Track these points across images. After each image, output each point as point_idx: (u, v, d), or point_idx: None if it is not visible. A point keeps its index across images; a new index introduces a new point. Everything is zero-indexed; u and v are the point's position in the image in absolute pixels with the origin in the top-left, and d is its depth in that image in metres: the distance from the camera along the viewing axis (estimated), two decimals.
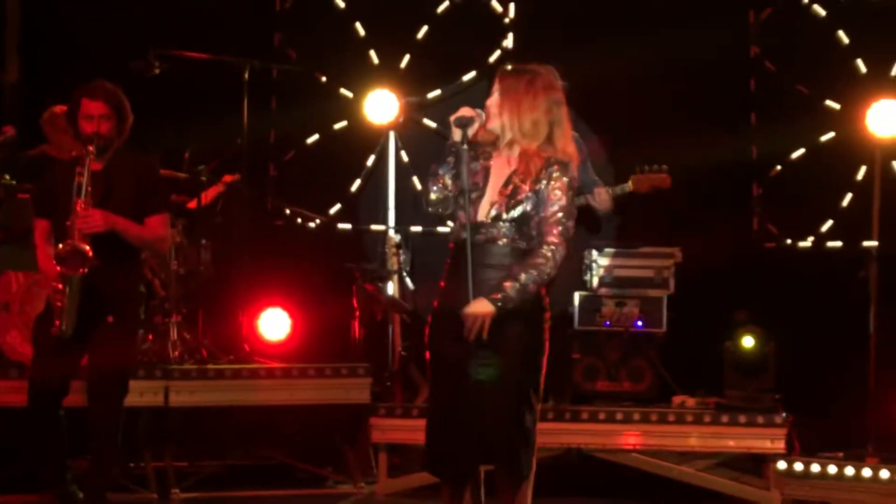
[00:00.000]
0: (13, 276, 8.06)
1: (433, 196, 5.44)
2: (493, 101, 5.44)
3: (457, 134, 5.37)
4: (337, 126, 10.41)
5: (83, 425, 6.48)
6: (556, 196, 5.33)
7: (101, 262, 6.24)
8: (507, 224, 5.34)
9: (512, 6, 10.44)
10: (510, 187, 5.38)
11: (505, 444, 5.30)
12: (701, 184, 9.64)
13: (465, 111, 5.37)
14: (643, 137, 9.64)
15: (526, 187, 5.35)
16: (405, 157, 10.29)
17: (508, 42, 10.44)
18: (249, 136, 9.13)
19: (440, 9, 10.46)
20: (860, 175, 9.68)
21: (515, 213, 5.34)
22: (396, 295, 9.19)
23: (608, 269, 8.94)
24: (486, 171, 5.45)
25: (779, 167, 10.01)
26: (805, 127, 9.84)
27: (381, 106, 9.77)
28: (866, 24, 9.86)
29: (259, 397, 8.26)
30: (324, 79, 10.30)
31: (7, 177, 7.05)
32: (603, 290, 8.89)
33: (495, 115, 5.42)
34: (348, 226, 10.40)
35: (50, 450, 6.52)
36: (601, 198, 8.15)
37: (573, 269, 9.04)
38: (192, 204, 8.94)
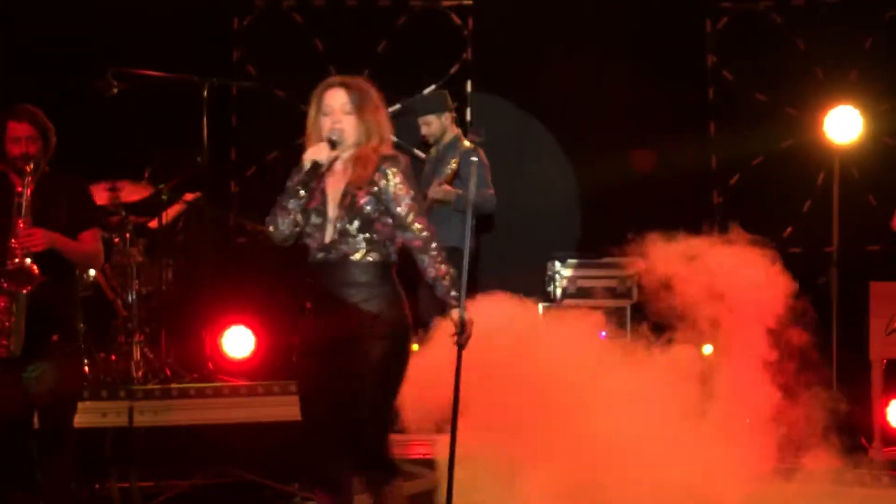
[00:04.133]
0: None
1: (282, 230, 5.48)
2: (339, 117, 5.44)
3: (310, 161, 5.41)
4: (297, 142, 10.36)
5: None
6: (402, 190, 5.39)
7: (45, 279, 6.27)
8: (355, 237, 5.37)
9: (471, 18, 10.46)
10: (348, 198, 5.41)
11: (362, 458, 5.43)
12: (662, 193, 9.68)
13: (320, 150, 5.40)
14: (601, 148, 9.69)
15: (363, 192, 5.38)
16: None
17: (468, 54, 10.47)
18: (210, 154, 9.11)
19: (399, 22, 10.48)
20: (819, 181, 9.73)
21: (358, 221, 5.37)
22: None
23: (571, 279, 8.97)
24: (323, 192, 5.48)
25: (738, 175, 10.06)
26: (764, 134, 9.91)
27: None
28: (823, 30, 9.94)
29: (224, 415, 8.22)
30: (283, 95, 10.29)
31: None
32: (566, 301, 8.91)
33: (348, 130, 5.43)
34: None
35: (17, 474, 6.50)
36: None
37: (536, 279, 9.07)
38: (154, 223, 8.90)
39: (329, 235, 5.41)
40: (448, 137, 8.63)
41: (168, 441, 8.30)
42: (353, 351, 5.33)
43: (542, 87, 10.01)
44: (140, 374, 8.39)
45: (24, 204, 6.34)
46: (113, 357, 8.53)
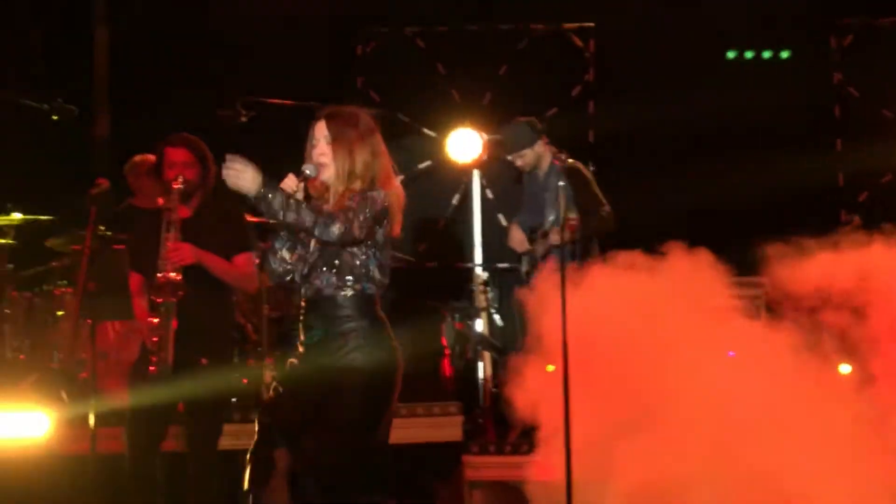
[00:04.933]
0: (110, 326, 8.21)
1: (274, 268, 5.39)
2: (323, 149, 5.33)
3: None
4: (421, 165, 10.49)
5: (177, 470, 6.58)
6: (350, 202, 5.21)
7: (193, 300, 6.35)
8: (326, 272, 5.27)
9: (592, 40, 10.47)
10: None
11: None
12: (789, 212, 9.58)
13: (288, 182, 5.27)
14: (727, 167, 9.62)
15: None
16: (490, 195, 10.33)
17: (590, 76, 10.48)
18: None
19: (520, 45, 10.53)
20: None
21: (327, 255, 5.27)
22: (485, 332, 9.21)
23: None
24: None
25: (867, 193, 9.93)
26: (892, 151, 9.77)
27: (464, 144, 9.82)
28: None
29: None
30: (407, 119, 10.39)
31: (102, 228, 7.20)
32: None
33: (328, 163, 5.31)
34: (434, 264, 10.45)
35: (147, 496, 6.61)
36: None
37: None
38: None
39: (306, 267, 5.33)
40: (545, 163, 8.40)
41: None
42: (327, 388, 5.22)
43: (665, 106, 9.98)
44: (271, 397, 8.50)
45: (172, 221, 6.45)
46: (244, 381, 8.66)
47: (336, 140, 5.32)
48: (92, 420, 6.53)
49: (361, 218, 5.18)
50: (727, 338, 6.99)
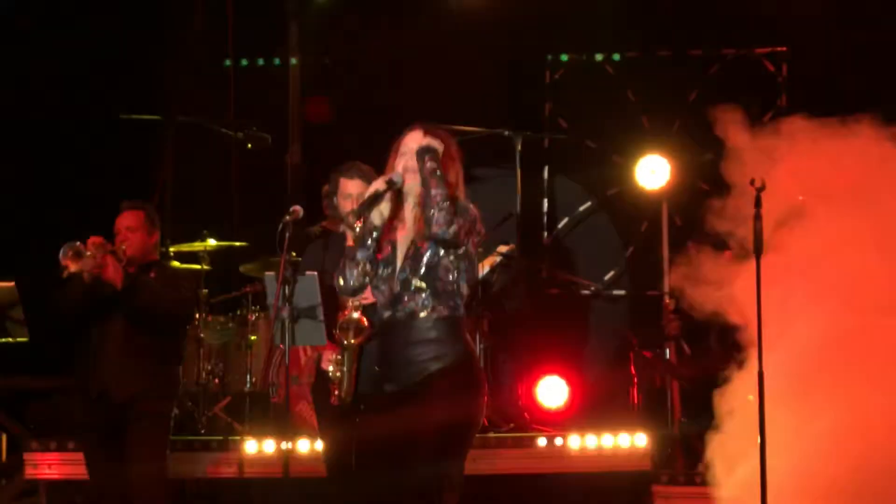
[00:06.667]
0: (301, 350, 8.32)
1: (352, 283, 5.32)
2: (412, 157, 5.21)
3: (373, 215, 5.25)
4: (609, 192, 10.43)
5: None
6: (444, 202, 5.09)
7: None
8: (419, 292, 5.16)
9: (785, 65, 10.30)
10: (412, 249, 5.21)
11: None
12: None
13: (376, 184, 5.22)
14: None
15: (426, 242, 5.16)
16: (678, 221, 10.22)
17: (782, 101, 10.30)
18: (523, 206, 9.23)
19: (711, 70, 10.41)
20: None
21: (423, 269, 5.16)
22: (674, 361, 9.11)
23: None
24: (393, 244, 5.31)
25: None
26: None
27: (653, 171, 9.74)
28: None
29: (540, 465, 8.29)
30: (595, 146, 10.35)
31: (294, 254, 7.31)
32: None
33: (415, 172, 5.18)
34: (623, 292, 10.37)
35: None
36: None
37: None
38: None
39: (396, 286, 5.23)
40: None
41: (484, 489, 8.39)
42: (416, 410, 5.12)
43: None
44: None
45: None
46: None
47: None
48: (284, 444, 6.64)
49: (462, 221, 5.10)
50: None
